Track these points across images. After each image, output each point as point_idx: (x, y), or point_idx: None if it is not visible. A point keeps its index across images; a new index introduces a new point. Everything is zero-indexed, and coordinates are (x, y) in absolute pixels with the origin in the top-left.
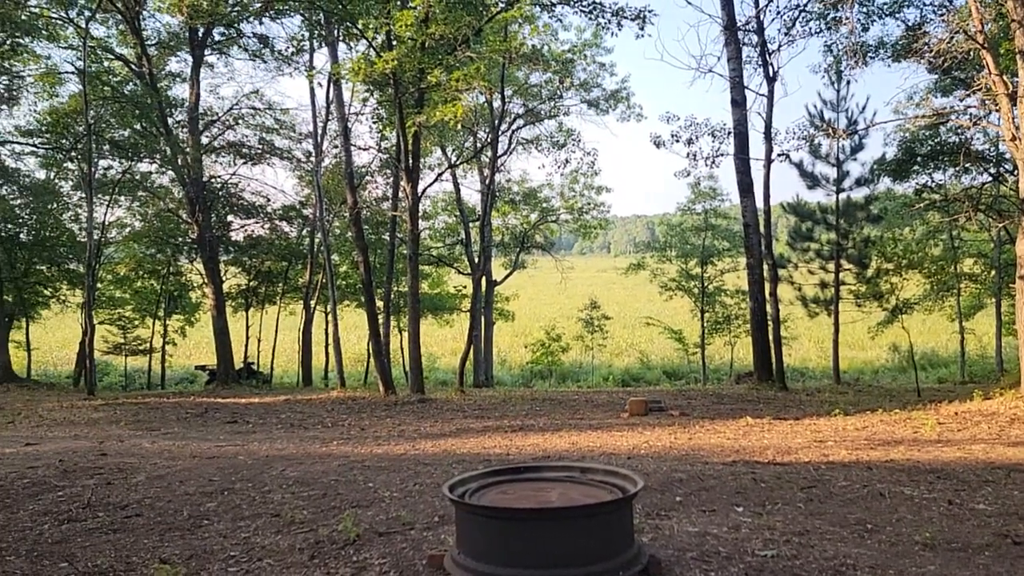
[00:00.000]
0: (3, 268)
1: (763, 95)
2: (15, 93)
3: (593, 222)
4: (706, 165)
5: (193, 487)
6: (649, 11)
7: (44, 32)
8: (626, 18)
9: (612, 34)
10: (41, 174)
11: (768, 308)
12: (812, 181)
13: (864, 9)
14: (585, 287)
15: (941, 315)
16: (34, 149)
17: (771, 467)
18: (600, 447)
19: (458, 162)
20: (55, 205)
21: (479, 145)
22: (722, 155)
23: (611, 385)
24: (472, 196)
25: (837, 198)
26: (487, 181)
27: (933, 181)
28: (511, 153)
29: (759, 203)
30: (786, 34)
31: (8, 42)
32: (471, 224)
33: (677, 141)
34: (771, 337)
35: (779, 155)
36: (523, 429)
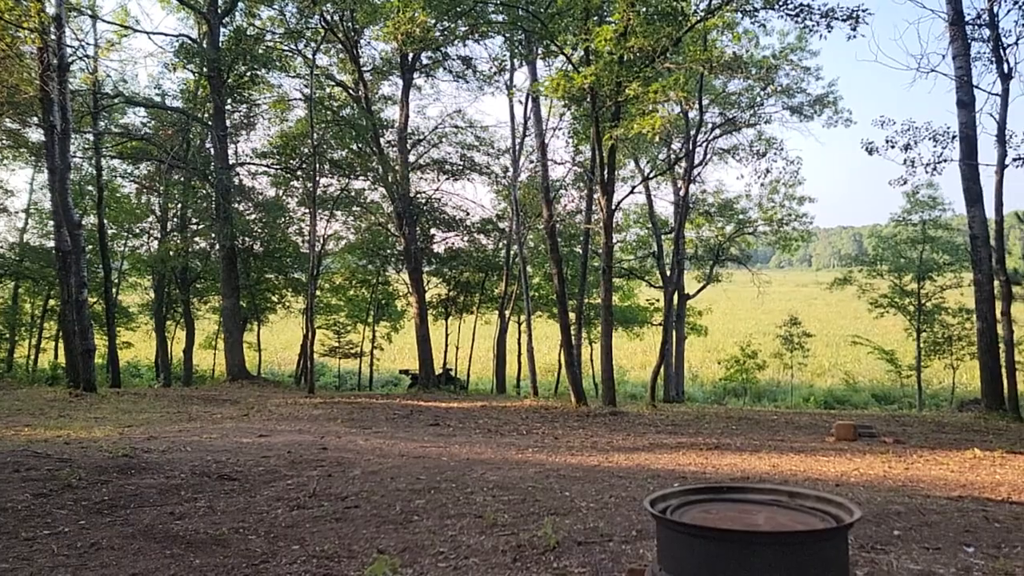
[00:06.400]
0: (240, 276)
1: (996, 94)
2: (252, 119)
3: (794, 234)
4: (926, 172)
5: (403, 484)
6: (863, 10)
7: (277, 64)
8: (837, 19)
9: (821, 37)
10: (271, 192)
11: (999, 329)
12: None
13: None
14: (783, 302)
15: None
16: (266, 169)
17: (1006, 506)
18: (804, 472)
19: (652, 175)
20: (283, 220)
21: (674, 157)
22: (945, 161)
23: (812, 407)
24: (664, 208)
25: None
26: (681, 193)
27: None
28: (706, 164)
29: (989, 213)
30: None
31: (248, 74)
32: (663, 236)
33: (892, 147)
34: (1003, 361)
35: (1015, 160)
36: (719, 448)
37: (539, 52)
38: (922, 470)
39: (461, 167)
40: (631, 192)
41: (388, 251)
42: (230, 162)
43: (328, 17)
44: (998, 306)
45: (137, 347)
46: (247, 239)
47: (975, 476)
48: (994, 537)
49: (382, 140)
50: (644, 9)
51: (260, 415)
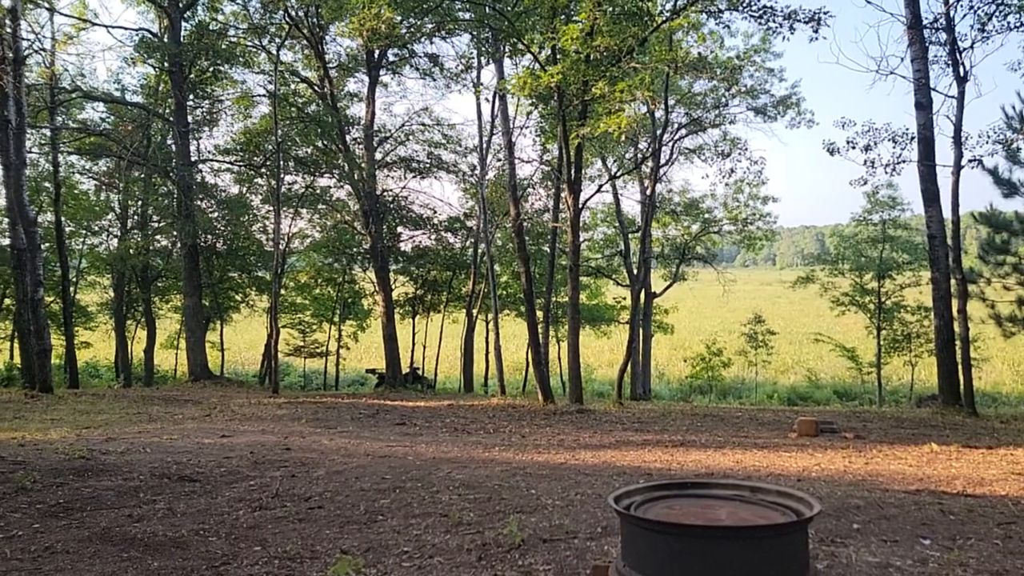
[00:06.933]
0: (203, 275)
1: (952, 97)
2: (215, 116)
3: (758, 233)
4: (885, 173)
5: (368, 484)
6: (824, 12)
7: (241, 59)
8: (799, 21)
9: (784, 38)
10: (235, 189)
11: (956, 326)
12: (1009, 189)
13: None
14: (748, 300)
15: None
16: (229, 166)
17: (961, 499)
18: (767, 467)
19: (619, 173)
20: (247, 218)
21: (640, 156)
22: (904, 162)
23: (776, 403)
24: (631, 207)
25: None
26: (648, 192)
27: None
28: (673, 163)
29: (946, 213)
30: (980, 30)
31: (211, 69)
32: (630, 235)
33: (853, 148)
34: (959, 357)
35: (970, 161)
36: (684, 445)
37: (506, 50)
38: (881, 465)
39: (428, 165)
40: (598, 191)
41: (354, 249)
42: (192, 159)
43: (293, 12)
44: (955, 304)
45: (96, 347)
46: (210, 237)
47: (932, 470)
48: (949, 529)
49: (348, 137)
50: (610, 9)
51: (223, 415)
